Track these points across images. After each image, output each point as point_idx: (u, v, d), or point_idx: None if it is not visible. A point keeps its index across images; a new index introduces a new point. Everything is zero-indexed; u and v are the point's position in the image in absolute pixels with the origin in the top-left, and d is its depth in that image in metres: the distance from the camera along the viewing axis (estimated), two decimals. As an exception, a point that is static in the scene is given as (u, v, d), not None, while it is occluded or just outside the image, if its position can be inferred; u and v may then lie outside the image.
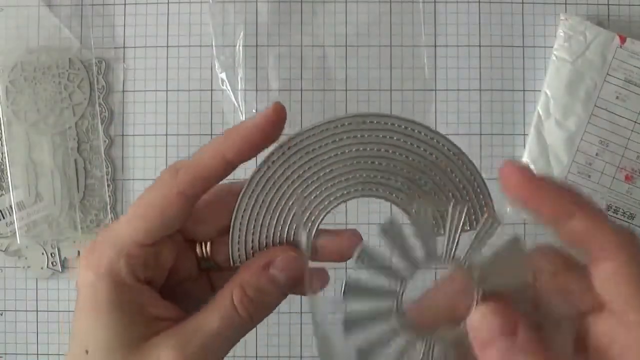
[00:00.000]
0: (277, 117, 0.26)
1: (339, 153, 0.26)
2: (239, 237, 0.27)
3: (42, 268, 0.50)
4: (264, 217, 0.27)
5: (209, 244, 0.29)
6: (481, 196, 0.25)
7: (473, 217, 0.25)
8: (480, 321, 0.23)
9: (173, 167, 0.27)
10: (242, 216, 0.27)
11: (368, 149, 0.26)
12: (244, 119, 0.50)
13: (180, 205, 0.26)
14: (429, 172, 0.25)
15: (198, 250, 0.29)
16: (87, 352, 0.26)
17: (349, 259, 0.28)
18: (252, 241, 0.27)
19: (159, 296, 0.27)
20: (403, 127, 0.26)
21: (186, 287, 0.29)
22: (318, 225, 0.27)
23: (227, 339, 0.26)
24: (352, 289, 0.23)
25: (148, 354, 0.25)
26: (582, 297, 0.23)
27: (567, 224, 0.23)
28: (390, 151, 0.26)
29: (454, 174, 0.25)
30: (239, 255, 0.27)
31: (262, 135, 0.26)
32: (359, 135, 0.26)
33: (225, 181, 0.27)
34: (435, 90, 0.50)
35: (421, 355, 0.24)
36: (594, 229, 0.23)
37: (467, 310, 0.23)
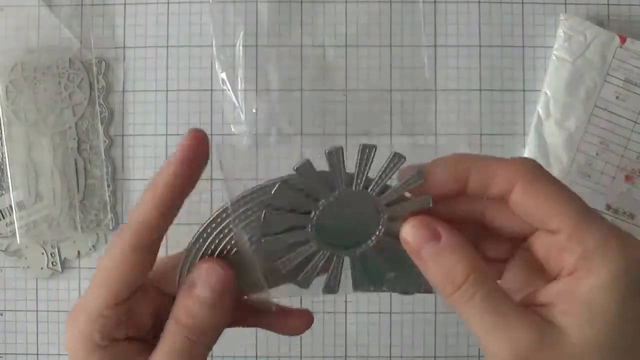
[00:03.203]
0: (191, 150, 0.27)
1: None
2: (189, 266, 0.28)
3: (42, 268, 0.50)
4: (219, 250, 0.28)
5: None
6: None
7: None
8: (407, 234, 0.26)
9: (122, 226, 0.28)
10: (197, 249, 0.28)
11: None
12: (244, 119, 0.50)
13: (133, 259, 0.27)
14: None
15: None
16: None
17: (298, 334, 0.31)
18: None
19: (138, 349, 0.28)
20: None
21: None
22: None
23: None
24: (284, 188, 0.27)
25: None
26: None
27: (469, 179, 0.26)
28: None
29: None
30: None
31: (181, 171, 0.27)
32: None
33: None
34: (435, 90, 0.50)
35: (315, 260, 0.28)
36: (488, 167, 0.26)
37: (374, 233, 0.28)
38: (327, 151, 0.26)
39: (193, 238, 0.28)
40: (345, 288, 0.29)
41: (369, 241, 0.28)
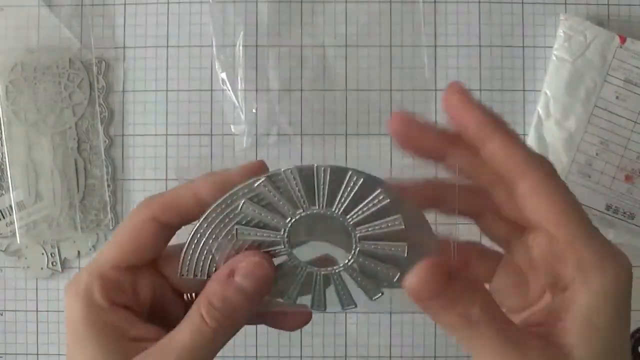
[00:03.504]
0: (254, 173, 0.27)
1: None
2: (191, 253, 0.28)
3: (42, 268, 0.50)
4: (223, 237, 0.28)
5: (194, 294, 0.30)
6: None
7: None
8: (413, 288, 0.24)
9: (148, 198, 0.28)
10: (201, 233, 0.28)
11: None
12: (244, 119, 0.50)
13: (151, 230, 0.28)
14: None
15: (185, 296, 0.30)
16: None
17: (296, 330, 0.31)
18: (204, 259, 0.28)
19: (137, 319, 0.28)
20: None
21: (177, 316, 0.30)
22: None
23: (199, 351, 0.26)
24: (250, 205, 0.27)
25: None
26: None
27: (486, 146, 0.25)
28: None
29: None
30: (188, 269, 0.28)
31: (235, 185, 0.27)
32: None
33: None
34: (435, 90, 0.50)
35: (306, 278, 0.28)
36: (511, 151, 0.25)
37: (349, 252, 0.27)
38: (282, 170, 0.26)
39: (192, 230, 0.28)
40: (334, 305, 0.29)
41: (346, 260, 0.28)
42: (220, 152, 0.50)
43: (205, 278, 0.28)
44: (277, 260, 0.28)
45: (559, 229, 0.24)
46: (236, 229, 0.27)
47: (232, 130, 0.50)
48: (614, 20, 0.50)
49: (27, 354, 0.50)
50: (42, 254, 0.50)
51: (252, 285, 0.27)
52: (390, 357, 0.50)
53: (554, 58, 0.49)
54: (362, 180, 0.26)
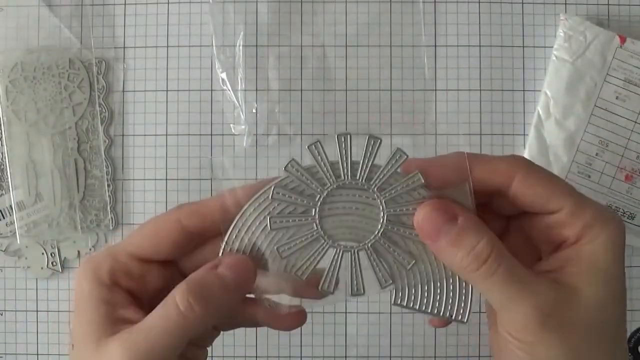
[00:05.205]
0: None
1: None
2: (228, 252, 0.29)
3: (42, 268, 0.50)
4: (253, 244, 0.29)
5: None
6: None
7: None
8: (423, 219, 0.27)
9: (183, 203, 0.30)
10: (237, 234, 0.29)
11: None
12: (244, 119, 0.50)
13: (173, 231, 0.29)
14: None
15: None
16: (72, 346, 0.29)
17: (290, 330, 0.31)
18: None
19: (132, 302, 0.29)
20: None
21: None
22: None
23: (172, 335, 0.27)
24: (280, 191, 0.27)
25: (105, 350, 0.27)
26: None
27: (473, 174, 0.28)
28: None
29: None
30: None
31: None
32: None
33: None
34: (435, 90, 0.50)
35: (332, 259, 0.28)
36: (491, 167, 0.28)
37: (378, 221, 0.28)
38: (307, 147, 0.27)
39: (228, 231, 0.28)
40: (371, 288, 0.29)
41: (376, 231, 0.28)
42: (220, 152, 0.50)
43: None
44: (315, 256, 0.29)
45: (560, 204, 0.27)
46: (269, 219, 0.28)
47: (232, 130, 0.50)
48: (614, 20, 0.50)
49: (27, 354, 0.50)
50: (42, 254, 0.50)
51: (233, 276, 0.28)
52: (390, 357, 0.50)
53: (554, 58, 0.49)
54: (379, 142, 0.27)
